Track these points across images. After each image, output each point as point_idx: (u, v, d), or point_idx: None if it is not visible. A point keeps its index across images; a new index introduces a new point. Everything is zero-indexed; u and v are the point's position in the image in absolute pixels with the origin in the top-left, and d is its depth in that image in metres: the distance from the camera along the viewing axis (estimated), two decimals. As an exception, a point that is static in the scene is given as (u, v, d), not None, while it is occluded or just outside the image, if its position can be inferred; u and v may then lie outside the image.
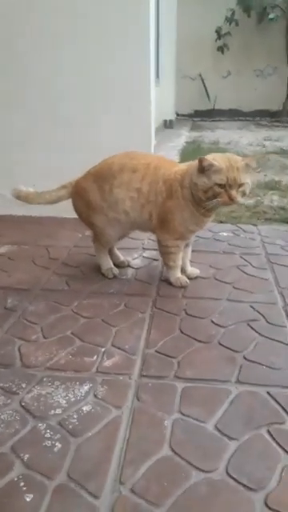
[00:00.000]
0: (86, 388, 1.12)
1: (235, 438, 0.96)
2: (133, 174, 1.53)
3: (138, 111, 2.28)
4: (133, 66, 2.20)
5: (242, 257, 1.89)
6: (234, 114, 8.30)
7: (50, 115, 2.29)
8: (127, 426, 1.00)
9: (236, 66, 8.15)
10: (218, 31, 7.80)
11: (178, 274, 1.65)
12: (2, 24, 2.16)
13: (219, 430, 0.98)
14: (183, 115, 8.22)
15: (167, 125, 6.57)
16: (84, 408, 1.06)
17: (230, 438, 0.96)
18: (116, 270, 1.73)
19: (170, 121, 6.67)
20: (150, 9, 2.11)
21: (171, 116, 6.86)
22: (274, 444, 0.94)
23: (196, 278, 1.71)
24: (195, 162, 1.43)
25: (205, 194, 1.40)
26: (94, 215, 1.61)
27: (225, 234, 2.16)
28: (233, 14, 7.60)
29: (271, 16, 7.20)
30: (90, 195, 1.59)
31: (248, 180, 1.41)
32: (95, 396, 1.09)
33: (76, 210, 1.68)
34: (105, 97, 2.26)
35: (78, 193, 1.64)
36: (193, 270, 1.71)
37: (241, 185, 1.38)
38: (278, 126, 6.99)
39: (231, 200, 1.38)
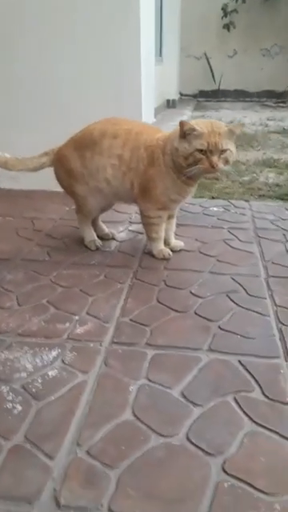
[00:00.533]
0: (54, 354, 1.10)
1: (200, 405, 0.93)
2: (114, 140, 1.48)
3: (128, 89, 2.21)
4: (120, 44, 2.13)
5: (229, 231, 1.85)
6: (239, 95, 8.11)
7: (41, 96, 2.24)
8: (92, 391, 0.98)
9: (242, 45, 7.93)
10: (224, 8, 7.56)
11: (161, 246, 1.61)
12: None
13: (185, 397, 0.96)
14: (187, 95, 8.05)
15: (170, 104, 6.44)
16: (50, 373, 1.03)
17: (195, 405, 0.94)
18: (99, 242, 1.70)
19: (173, 100, 6.54)
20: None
21: (174, 96, 6.71)
22: (240, 411, 0.92)
23: (180, 250, 1.67)
24: (178, 128, 1.38)
25: (185, 161, 1.35)
26: (76, 184, 1.57)
27: (215, 209, 2.11)
28: (240, -10, 7.37)
29: (279, -8, 6.98)
30: (71, 163, 1.54)
31: (231, 147, 1.36)
32: (63, 361, 1.07)
33: (57, 178, 1.64)
34: (93, 73, 2.20)
35: (59, 160, 1.59)
36: (176, 243, 1.68)
37: (223, 151, 1.33)
38: (284, 106, 6.83)
39: (212, 167, 1.33)
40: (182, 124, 1.33)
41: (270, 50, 8.03)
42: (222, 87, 8.06)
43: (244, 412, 0.91)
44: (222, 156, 1.34)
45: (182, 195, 1.49)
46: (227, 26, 7.69)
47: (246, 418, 0.90)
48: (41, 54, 2.19)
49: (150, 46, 2.61)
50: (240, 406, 0.93)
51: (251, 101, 7.82)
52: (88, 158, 1.50)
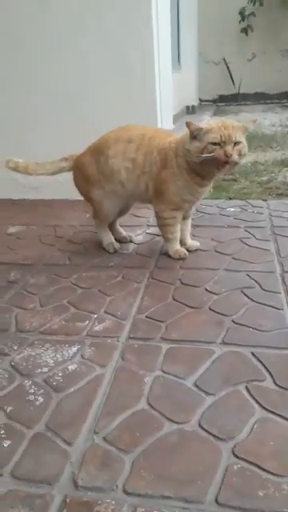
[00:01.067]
0: (74, 349, 1.15)
1: (212, 394, 0.96)
2: (128, 145, 1.54)
3: (144, 99, 2.27)
4: (135, 55, 2.19)
5: (246, 230, 1.87)
6: (259, 98, 8.07)
7: (56, 96, 2.33)
8: (109, 383, 1.02)
9: (261, 48, 7.91)
10: (241, 12, 7.58)
11: (177, 246, 1.65)
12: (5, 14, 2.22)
13: (197, 387, 0.99)
14: (207, 101, 8.07)
15: (190, 110, 6.49)
16: (70, 367, 1.09)
17: (208, 394, 0.97)
18: (117, 245, 1.75)
19: (193, 106, 6.59)
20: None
21: (194, 102, 6.76)
22: (251, 399, 0.94)
23: (196, 250, 1.70)
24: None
25: (199, 158, 1.38)
26: (93, 189, 1.63)
27: (232, 209, 2.13)
28: (257, -7, 7.38)
29: (295, -8, 6.94)
30: (88, 169, 1.61)
31: (244, 140, 1.39)
32: (82, 356, 1.13)
33: (76, 185, 1.72)
34: (108, 84, 2.27)
35: (77, 167, 1.67)
36: (192, 243, 1.71)
37: (236, 143, 1.36)
38: (305, 106, 6.76)
39: (226, 156, 1.34)
40: (187, 124, 1.37)
41: (290, 50, 7.96)
42: (241, 91, 8.04)
43: (255, 400, 0.94)
44: (235, 148, 1.36)
45: (195, 196, 1.53)
46: (245, 30, 7.69)
47: (256, 406, 0.92)
48: (56, 64, 2.28)
49: (167, 55, 2.67)
50: (251, 395, 0.95)
51: (271, 103, 7.77)
52: (103, 163, 1.57)
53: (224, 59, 7.98)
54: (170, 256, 1.66)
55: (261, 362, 1.05)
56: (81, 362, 1.11)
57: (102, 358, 1.11)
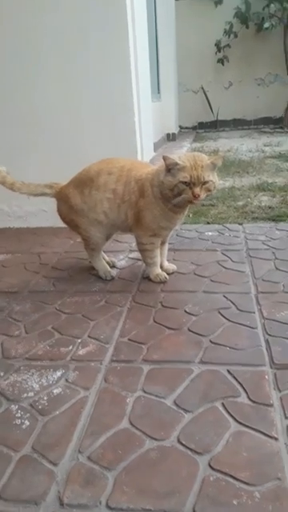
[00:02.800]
0: (58, 374, 1.20)
1: (190, 411, 1.02)
2: (108, 177, 1.63)
3: (124, 129, 2.38)
4: (114, 84, 2.31)
5: (223, 253, 1.96)
6: (237, 124, 8.38)
7: (39, 128, 2.42)
8: (92, 405, 1.07)
9: (237, 77, 8.26)
10: (217, 44, 7.94)
11: (157, 270, 1.72)
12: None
13: (177, 405, 1.05)
14: (187, 128, 8.34)
15: (170, 138, 6.70)
16: (55, 391, 1.13)
17: (186, 411, 1.02)
18: (113, 272, 1.80)
19: (173, 134, 6.80)
20: (127, 27, 2.23)
21: (174, 129, 6.98)
22: (226, 414, 1.00)
23: (175, 273, 1.78)
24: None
25: (171, 192, 1.49)
26: (77, 218, 1.70)
27: (210, 233, 2.23)
28: (231, 26, 7.74)
29: (266, 25, 7.31)
30: (71, 200, 1.69)
31: (212, 178, 1.49)
32: (66, 380, 1.17)
33: (61, 215, 1.78)
34: (89, 116, 2.37)
35: (61, 199, 1.74)
36: (169, 266, 1.79)
37: (205, 182, 1.46)
38: (280, 132, 7.03)
39: (195, 197, 1.45)
40: (164, 159, 1.47)
41: (265, 78, 8.33)
42: (220, 118, 8.34)
43: (230, 415, 1.00)
44: (204, 186, 1.47)
45: (171, 222, 1.62)
46: (221, 61, 8.04)
47: (231, 420, 0.98)
48: (39, 97, 2.37)
49: (146, 86, 2.81)
50: (227, 410, 1.01)
51: (249, 128, 8.07)
52: (86, 194, 1.65)
53: (202, 88, 8.30)
54: (151, 280, 1.73)
55: (236, 379, 1.12)
56: (65, 385, 1.15)
57: (86, 381, 1.16)
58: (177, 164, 1.45)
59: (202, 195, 1.47)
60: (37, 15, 2.25)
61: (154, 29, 6.01)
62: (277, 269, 1.74)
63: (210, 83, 8.36)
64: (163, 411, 1.03)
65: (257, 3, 7.34)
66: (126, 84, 2.33)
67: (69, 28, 2.25)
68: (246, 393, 1.06)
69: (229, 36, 7.82)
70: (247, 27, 7.73)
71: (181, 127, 8.03)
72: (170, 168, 1.47)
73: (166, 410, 1.03)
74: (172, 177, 1.47)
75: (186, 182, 1.45)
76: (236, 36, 7.80)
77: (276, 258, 1.84)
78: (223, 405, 1.03)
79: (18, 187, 1.75)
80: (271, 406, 1.01)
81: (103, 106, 2.36)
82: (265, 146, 5.31)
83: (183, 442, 0.93)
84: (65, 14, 2.23)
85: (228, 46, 7.93)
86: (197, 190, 1.45)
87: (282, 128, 7.47)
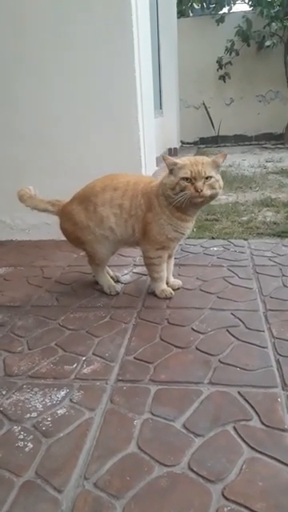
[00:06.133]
0: (62, 393, 1.16)
1: (201, 435, 0.98)
2: (114, 192, 1.61)
3: (128, 142, 2.37)
4: (120, 100, 2.31)
5: (229, 269, 1.93)
6: (238, 139, 8.44)
7: (43, 143, 2.42)
8: (98, 427, 1.03)
9: (238, 93, 8.35)
10: (219, 61, 8.04)
11: (163, 286, 1.69)
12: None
13: (186, 428, 1.00)
14: (188, 143, 8.39)
15: (172, 153, 6.72)
16: (59, 411, 1.09)
17: (196, 435, 0.98)
18: (118, 287, 1.77)
19: (175, 149, 6.83)
20: (133, 44, 2.24)
21: (176, 144, 7.01)
22: (239, 439, 0.96)
23: (180, 289, 1.74)
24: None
25: (173, 191, 1.47)
26: (83, 235, 1.67)
27: (215, 248, 2.20)
28: (232, 44, 7.85)
29: (268, 43, 7.41)
30: (76, 217, 1.66)
31: (215, 175, 1.47)
32: (71, 400, 1.13)
33: (64, 232, 1.75)
34: (94, 133, 2.37)
35: (65, 216, 1.71)
36: (175, 281, 1.76)
37: (207, 177, 1.44)
38: (282, 148, 7.07)
39: (197, 191, 1.43)
40: (164, 158, 1.46)
41: (266, 95, 8.41)
42: (221, 133, 8.40)
43: (243, 439, 0.95)
44: (206, 183, 1.44)
45: (179, 231, 1.58)
46: (223, 77, 8.13)
47: (244, 446, 0.94)
48: (43, 113, 2.37)
49: (149, 102, 2.82)
50: (239, 434, 0.97)
51: (250, 144, 8.12)
52: (91, 211, 1.62)
53: (204, 104, 8.38)
54: (156, 295, 1.69)
55: (247, 401, 1.08)
56: (70, 405, 1.11)
57: (91, 402, 1.12)
58: (176, 163, 1.46)
59: (206, 191, 1.44)
60: (44, 30, 2.26)
61: (157, 45, 6.08)
62: (285, 286, 1.71)
63: (212, 99, 8.44)
64: (172, 435, 0.99)
65: (258, 22, 7.46)
66: (131, 100, 2.33)
67: (75, 44, 2.27)
68: (259, 416, 1.02)
69: (230, 54, 7.93)
70: (248, 45, 7.84)
71: (182, 142, 8.08)
72: (171, 168, 1.47)
73: (175, 433, 0.99)
74: (173, 176, 1.47)
75: (187, 178, 1.44)
76: (237, 54, 7.91)
77: (283, 275, 1.80)
78: (235, 429, 0.99)
79: (24, 199, 1.74)
80: (285, 430, 0.97)
81: (108, 122, 2.36)
82: (267, 161, 5.32)
83: (194, 469, 0.89)
84: (72, 29, 2.24)
85: (229, 63, 8.03)
86: (199, 184, 1.43)
87: (283, 144, 7.52)
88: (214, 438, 0.97)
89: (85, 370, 1.26)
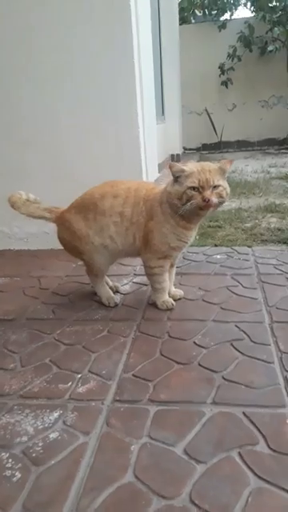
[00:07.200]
0: (55, 415, 1.08)
1: (203, 462, 0.90)
2: (114, 200, 1.54)
3: (129, 148, 2.32)
4: (121, 106, 2.26)
5: (233, 277, 1.85)
6: (241, 145, 8.39)
7: (42, 149, 2.37)
8: (92, 453, 0.95)
9: (241, 99, 8.31)
10: (221, 67, 8.02)
11: (165, 297, 1.62)
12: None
13: (188, 454, 0.93)
14: (191, 149, 8.36)
15: (174, 159, 6.68)
16: (51, 435, 1.02)
17: (198, 462, 0.90)
18: (117, 299, 1.70)
19: (177, 155, 6.78)
20: (133, 50, 2.19)
21: (178, 150, 6.97)
22: (244, 467, 0.88)
23: (182, 299, 1.67)
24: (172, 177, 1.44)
25: (180, 201, 1.40)
26: (81, 244, 1.60)
27: (218, 256, 2.13)
28: (235, 50, 7.84)
29: (270, 48, 7.39)
30: (74, 225, 1.59)
31: (223, 183, 1.40)
32: (64, 423, 1.05)
33: (62, 240, 1.69)
34: (94, 139, 2.32)
35: (63, 224, 1.64)
36: (176, 291, 1.68)
37: (215, 186, 1.37)
38: (285, 153, 7.01)
39: (204, 200, 1.35)
40: (170, 166, 1.39)
41: (268, 101, 8.37)
42: (223, 139, 8.35)
43: (248, 467, 0.87)
44: (214, 191, 1.37)
45: (182, 240, 1.51)
46: (225, 83, 8.11)
47: (250, 474, 0.86)
48: (42, 118, 2.32)
49: (150, 108, 2.77)
50: (244, 461, 0.89)
51: (253, 149, 8.06)
52: (91, 219, 1.55)
53: (206, 110, 8.35)
54: (157, 306, 1.62)
55: (253, 423, 1.00)
56: (63, 429, 1.03)
57: (86, 425, 1.04)
58: (183, 170, 1.38)
59: (214, 199, 1.36)
60: (46, 38, 2.21)
61: (159, 52, 6.06)
62: (291, 295, 1.63)
63: (214, 105, 8.41)
64: (172, 462, 0.91)
65: (260, 27, 7.44)
66: (132, 106, 2.28)
67: (76, 51, 2.22)
68: (266, 440, 0.94)
69: (232, 59, 7.91)
70: (251, 51, 7.82)
71: (185, 148, 8.04)
72: (177, 176, 1.40)
73: (176, 460, 0.91)
74: (179, 185, 1.40)
75: (194, 188, 1.36)
76: (240, 59, 7.88)
77: (290, 284, 1.73)
78: (240, 454, 0.91)
79: (18, 206, 1.66)
80: (295, 457, 0.89)
81: (109, 128, 2.31)
82: (270, 167, 5.26)
83: (196, 502, 0.81)
84: (73, 36, 2.20)
85: (232, 68, 8.01)
86: (207, 193, 1.35)
87: (286, 149, 7.45)
88: (217, 465, 0.89)
89: (80, 389, 1.18)
